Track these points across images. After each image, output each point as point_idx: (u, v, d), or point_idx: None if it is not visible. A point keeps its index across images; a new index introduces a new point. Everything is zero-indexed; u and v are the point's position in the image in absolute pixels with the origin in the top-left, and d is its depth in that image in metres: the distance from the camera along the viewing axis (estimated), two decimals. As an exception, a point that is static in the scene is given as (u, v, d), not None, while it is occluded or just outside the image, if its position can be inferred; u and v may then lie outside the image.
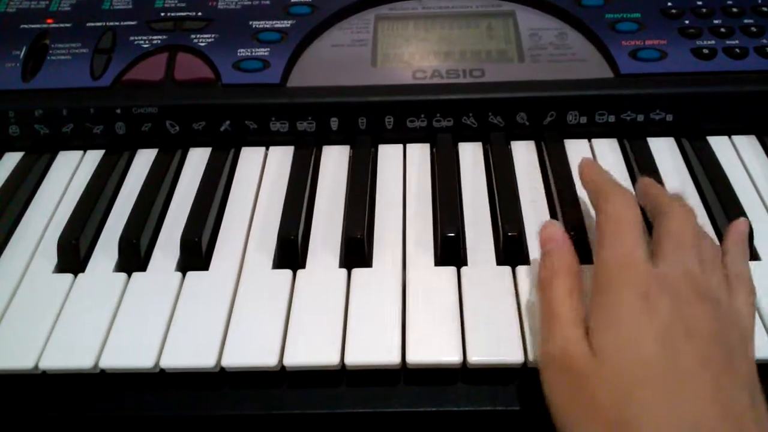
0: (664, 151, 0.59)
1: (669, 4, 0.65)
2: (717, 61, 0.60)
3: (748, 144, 0.60)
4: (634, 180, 0.57)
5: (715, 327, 0.39)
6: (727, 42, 0.61)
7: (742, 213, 0.52)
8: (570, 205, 0.53)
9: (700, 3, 0.65)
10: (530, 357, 0.45)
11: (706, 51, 0.60)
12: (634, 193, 0.48)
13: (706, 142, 0.59)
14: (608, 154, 0.60)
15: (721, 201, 0.53)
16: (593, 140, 0.61)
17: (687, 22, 0.63)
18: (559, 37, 0.63)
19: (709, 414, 0.36)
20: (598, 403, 0.38)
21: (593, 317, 0.41)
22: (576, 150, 0.60)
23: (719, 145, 0.59)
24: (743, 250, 0.48)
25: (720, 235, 0.52)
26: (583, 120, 0.60)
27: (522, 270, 0.50)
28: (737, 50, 0.60)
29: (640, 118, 0.60)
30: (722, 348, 0.39)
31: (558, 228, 0.47)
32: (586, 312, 0.42)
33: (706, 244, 0.45)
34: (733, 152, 0.59)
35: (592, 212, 0.53)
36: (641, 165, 0.57)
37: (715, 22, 0.63)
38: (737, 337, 0.40)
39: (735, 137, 0.61)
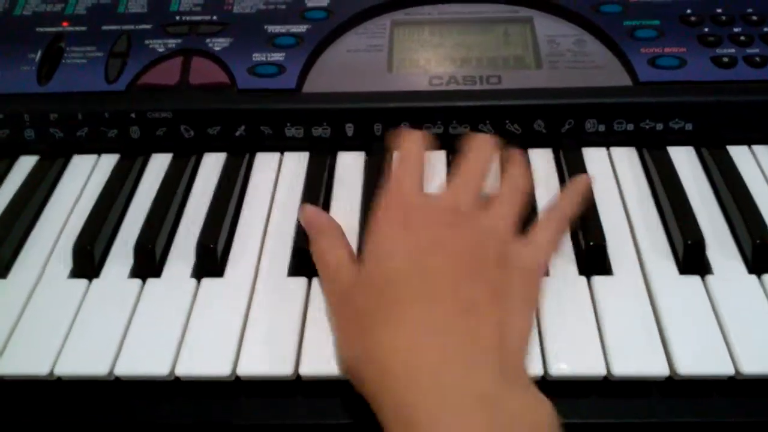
0: (684, 160, 0.59)
1: (688, 11, 0.64)
2: (737, 69, 0.60)
3: (768, 153, 0.60)
4: (653, 189, 0.56)
5: (466, 244, 0.45)
6: (747, 51, 0.61)
7: (762, 222, 0.52)
8: (588, 213, 0.53)
9: (719, 11, 0.64)
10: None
11: (725, 59, 0.60)
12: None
13: (726, 151, 0.59)
14: (626, 162, 0.59)
15: (741, 210, 0.53)
16: (611, 148, 0.60)
17: (706, 29, 0.62)
18: (577, 44, 0.63)
19: (448, 308, 0.41)
20: (361, 309, 0.43)
21: (366, 239, 0.47)
22: (594, 158, 0.59)
23: (739, 154, 0.59)
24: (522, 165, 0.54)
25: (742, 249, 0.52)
26: (602, 128, 0.59)
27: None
28: (757, 59, 0.60)
29: (659, 126, 0.59)
30: (469, 260, 0.44)
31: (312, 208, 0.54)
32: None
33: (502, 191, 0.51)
34: (753, 161, 0.58)
35: (612, 222, 0.53)
36: (661, 174, 0.56)
37: (735, 30, 0.62)
38: (489, 254, 0.45)
39: (755, 147, 0.60)
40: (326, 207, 0.56)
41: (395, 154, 0.52)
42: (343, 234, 0.51)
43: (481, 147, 0.53)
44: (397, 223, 0.46)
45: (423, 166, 0.51)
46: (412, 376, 0.39)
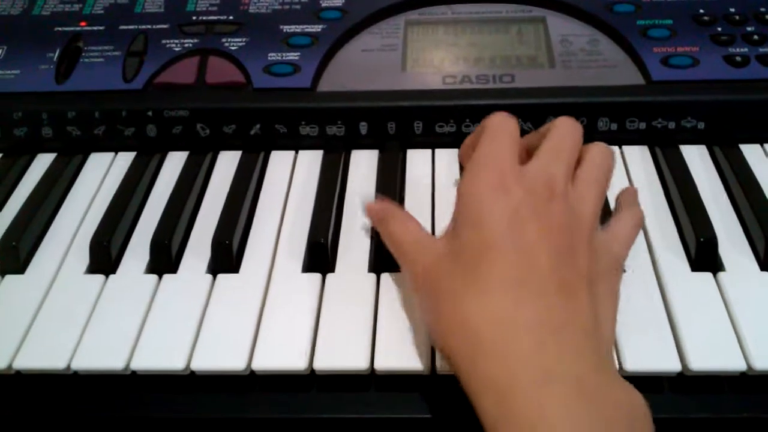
0: (696, 158, 0.59)
1: (701, 11, 0.64)
2: (750, 68, 0.60)
3: (781, 152, 0.60)
4: (665, 187, 0.56)
5: (562, 221, 0.43)
6: (760, 49, 0.61)
7: (776, 221, 0.52)
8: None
9: (732, 10, 0.64)
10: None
11: (738, 58, 0.60)
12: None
13: (739, 149, 0.59)
14: (639, 160, 0.59)
15: (754, 208, 0.53)
16: (624, 147, 0.61)
17: (719, 29, 0.63)
18: (590, 43, 0.63)
19: (545, 284, 0.40)
20: (453, 278, 0.42)
21: (456, 208, 0.45)
22: (606, 157, 0.59)
23: (751, 153, 0.59)
24: (636, 194, 0.53)
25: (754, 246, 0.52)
26: (614, 127, 0.59)
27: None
28: (770, 57, 0.60)
29: (672, 125, 0.59)
30: (566, 238, 0.42)
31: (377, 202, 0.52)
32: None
33: (590, 157, 0.49)
34: (765, 160, 0.58)
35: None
36: (674, 172, 0.56)
37: (748, 29, 0.62)
38: (582, 237, 0.43)
39: (767, 145, 0.60)
40: (340, 204, 0.57)
41: (487, 130, 0.48)
42: (411, 216, 0.49)
43: (570, 125, 0.50)
44: (493, 186, 0.43)
45: (517, 141, 0.48)
46: (510, 349, 0.38)
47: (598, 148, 0.50)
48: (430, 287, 0.44)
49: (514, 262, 0.41)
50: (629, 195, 0.53)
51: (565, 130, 0.49)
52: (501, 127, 0.48)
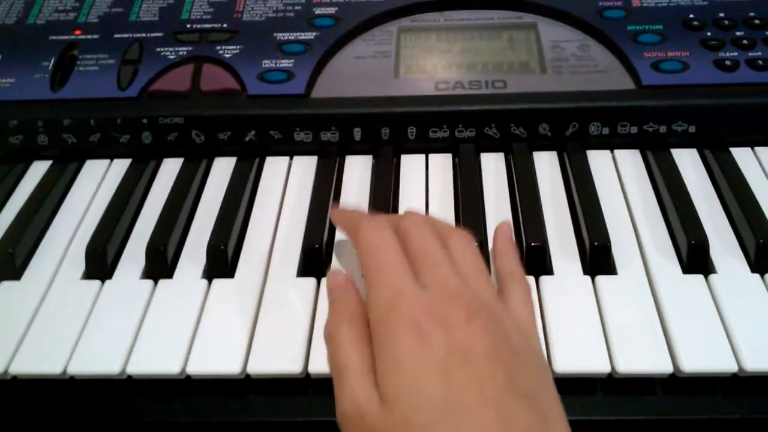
0: (687, 161, 0.60)
1: (691, 16, 0.65)
2: (739, 72, 0.60)
3: (771, 156, 0.60)
4: (656, 191, 0.57)
5: (489, 343, 0.38)
6: (750, 54, 0.61)
7: (765, 223, 0.52)
8: (593, 215, 0.54)
9: (722, 15, 0.65)
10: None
11: (728, 63, 0.61)
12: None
13: (729, 153, 0.59)
14: (630, 164, 0.60)
15: (745, 211, 0.53)
16: (615, 151, 0.61)
17: (709, 33, 0.63)
18: (581, 49, 0.64)
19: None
20: None
21: (377, 364, 0.39)
22: (598, 161, 0.60)
23: (742, 156, 0.59)
24: (512, 249, 0.49)
25: (745, 249, 0.52)
26: (606, 131, 0.60)
27: (545, 280, 0.50)
28: (760, 62, 0.60)
29: (663, 129, 0.60)
30: (501, 364, 0.37)
31: (342, 275, 0.46)
32: (371, 353, 0.40)
33: (455, 244, 0.44)
34: (756, 163, 0.59)
35: (616, 223, 0.54)
36: (666, 176, 0.57)
37: (738, 33, 0.63)
38: (516, 349, 0.39)
39: (758, 149, 0.60)
40: (334, 210, 0.57)
41: (361, 249, 0.45)
42: (362, 313, 0.43)
43: (415, 221, 0.46)
44: (409, 329, 0.39)
45: (398, 250, 0.43)
46: None
47: (458, 238, 0.45)
48: None
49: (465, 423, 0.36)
50: (506, 259, 0.48)
51: (415, 227, 0.45)
52: (380, 247, 0.43)
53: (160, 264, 0.53)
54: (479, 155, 0.61)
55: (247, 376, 0.46)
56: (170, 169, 0.62)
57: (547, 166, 0.60)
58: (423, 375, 0.37)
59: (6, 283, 0.53)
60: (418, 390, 0.37)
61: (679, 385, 0.46)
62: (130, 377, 0.47)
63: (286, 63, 0.64)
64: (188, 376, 0.47)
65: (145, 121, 0.62)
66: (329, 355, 0.42)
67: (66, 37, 0.67)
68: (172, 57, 0.65)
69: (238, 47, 0.65)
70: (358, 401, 0.38)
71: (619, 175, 0.59)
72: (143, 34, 0.67)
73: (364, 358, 0.40)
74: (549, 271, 0.51)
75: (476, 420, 0.35)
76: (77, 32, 0.68)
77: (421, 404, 0.36)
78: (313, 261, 0.52)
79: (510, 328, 0.40)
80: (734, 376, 0.45)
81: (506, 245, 0.49)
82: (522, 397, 0.37)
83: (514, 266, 0.47)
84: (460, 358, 0.37)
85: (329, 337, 0.42)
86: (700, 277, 0.50)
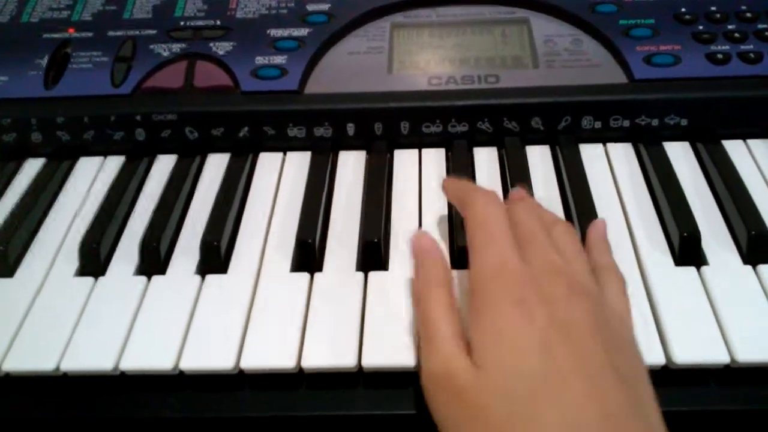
0: (679, 154, 0.60)
1: (683, 9, 0.65)
2: (731, 65, 0.60)
3: (763, 148, 0.60)
4: (649, 184, 0.57)
5: (591, 320, 0.39)
6: (742, 47, 0.61)
7: (757, 214, 0.52)
8: (585, 209, 0.54)
9: (713, 8, 0.65)
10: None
11: (720, 56, 0.61)
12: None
13: (721, 146, 0.59)
14: (623, 158, 0.60)
15: (737, 202, 0.53)
16: (608, 145, 0.61)
17: (701, 27, 0.63)
18: (574, 43, 0.64)
19: (589, 415, 0.36)
20: (486, 421, 0.37)
21: (473, 330, 0.40)
22: (591, 155, 0.60)
23: (734, 149, 0.59)
24: (606, 245, 0.49)
25: (737, 240, 0.52)
26: (598, 125, 0.60)
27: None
28: (752, 55, 0.60)
29: (655, 122, 0.60)
30: (600, 345, 0.38)
31: (429, 238, 0.47)
32: (463, 325, 0.41)
33: (558, 232, 0.46)
34: (748, 155, 0.59)
35: (609, 216, 0.54)
36: (658, 169, 0.57)
37: (729, 27, 0.63)
38: (615, 332, 0.40)
39: (750, 141, 0.61)
40: (328, 205, 0.57)
41: (470, 220, 0.45)
42: (452, 297, 0.44)
43: (526, 207, 0.47)
44: (511, 300, 0.40)
45: (507, 224, 0.45)
46: None
47: (562, 227, 0.47)
48: (456, 414, 0.39)
49: (554, 407, 0.36)
50: (602, 253, 0.49)
51: (524, 212, 0.47)
52: (490, 220, 0.45)
53: (154, 260, 0.53)
54: (472, 150, 0.62)
55: (241, 371, 0.46)
56: (164, 165, 0.62)
57: (539, 160, 0.60)
58: (525, 347, 0.38)
59: (-1, 280, 0.53)
60: (519, 361, 0.38)
61: (671, 377, 0.46)
62: (123, 373, 0.47)
63: (279, 59, 0.64)
64: (182, 372, 0.47)
65: (138, 118, 0.62)
66: (419, 316, 0.43)
67: (59, 35, 0.67)
68: (165, 54, 0.65)
69: (231, 44, 0.65)
70: (450, 364, 0.39)
71: (612, 169, 0.59)
72: (137, 32, 0.67)
73: (454, 322, 0.42)
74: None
75: (574, 392, 0.36)
76: (71, 30, 0.68)
77: (521, 375, 0.37)
78: (307, 256, 0.52)
79: (609, 312, 0.41)
80: (727, 367, 0.45)
81: (601, 241, 0.50)
82: (619, 376, 0.37)
83: (610, 260, 0.48)
84: (562, 333, 0.38)
85: (418, 299, 0.44)
86: (693, 269, 0.50)
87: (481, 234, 0.44)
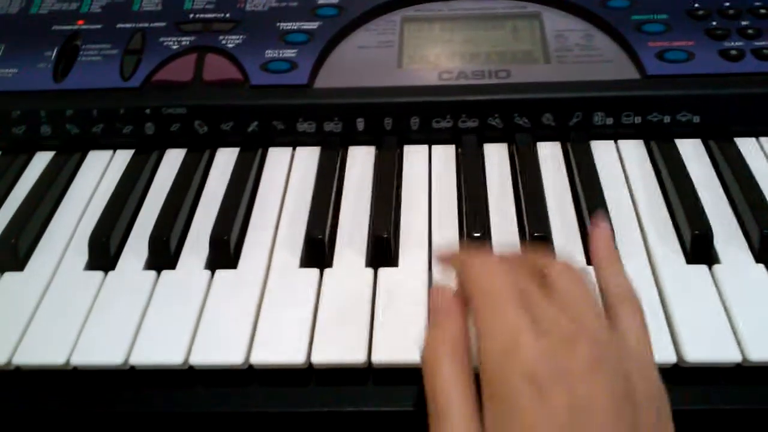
0: (691, 152, 0.59)
1: (696, 5, 0.65)
2: (745, 62, 0.60)
3: (776, 145, 0.60)
4: (660, 181, 0.57)
5: (611, 397, 0.36)
6: (755, 43, 0.61)
7: (770, 215, 0.52)
8: (597, 205, 0.53)
9: (727, 4, 0.64)
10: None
11: (733, 52, 0.60)
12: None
13: (734, 143, 0.59)
14: (634, 155, 0.60)
15: (749, 200, 0.53)
16: (619, 141, 0.61)
17: (714, 23, 0.63)
18: (585, 39, 0.64)
19: None
20: None
21: (488, 411, 0.37)
22: (602, 151, 0.60)
23: (746, 146, 0.59)
24: (614, 257, 0.46)
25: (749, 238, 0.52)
26: (609, 121, 0.60)
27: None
28: (765, 51, 0.60)
29: (667, 119, 0.59)
30: (623, 420, 0.35)
31: (448, 296, 0.42)
32: (474, 393, 0.38)
33: (560, 281, 0.41)
34: (760, 153, 0.59)
35: (620, 213, 0.54)
36: (669, 165, 0.57)
37: (743, 23, 0.63)
38: (637, 388, 0.37)
39: (763, 139, 0.60)
40: (337, 201, 0.57)
41: (472, 293, 0.41)
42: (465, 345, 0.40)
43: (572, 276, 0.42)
44: (525, 383, 0.36)
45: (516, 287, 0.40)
46: None
47: (563, 274, 0.42)
48: None
49: None
50: (611, 275, 0.44)
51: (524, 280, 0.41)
52: (494, 290, 0.40)
53: (163, 254, 0.53)
54: (482, 146, 0.61)
55: (250, 366, 0.46)
56: (173, 159, 0.62)
57: (550, 156, 0.60)
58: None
59: (9, 274, 0.53)
60: None
61: (682, 375, 0.46)
62: (133, 368, 0.47)
63: (289, 53, 0.63)
64: (191, 367, 0.47)
65: (147, 111, 0.61)
66: (426, 384, 0.39)
67: (69, 27, 0.67)
68: (175, 47, 0.65)
69: (240, 37, 0.65)
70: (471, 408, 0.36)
71: (623, 166, 0.59)
72: (146, 24, 0.67)
73: (469, 398, 0.38)
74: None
75: None
76: (80, 22, 0.68)
77: None
78: (316, 251, 0.52)
79: (629, 365, 0.38)
80: (738, 366, 0.45)
81: (608, 255, 0.46)
82: None
83: (622, 284, 0.43)
84: (583, 417, 0.35)
85: (427, 366, 0.39)
86: (704, 267, 0.50)
87: (485, 308, 0.40)
